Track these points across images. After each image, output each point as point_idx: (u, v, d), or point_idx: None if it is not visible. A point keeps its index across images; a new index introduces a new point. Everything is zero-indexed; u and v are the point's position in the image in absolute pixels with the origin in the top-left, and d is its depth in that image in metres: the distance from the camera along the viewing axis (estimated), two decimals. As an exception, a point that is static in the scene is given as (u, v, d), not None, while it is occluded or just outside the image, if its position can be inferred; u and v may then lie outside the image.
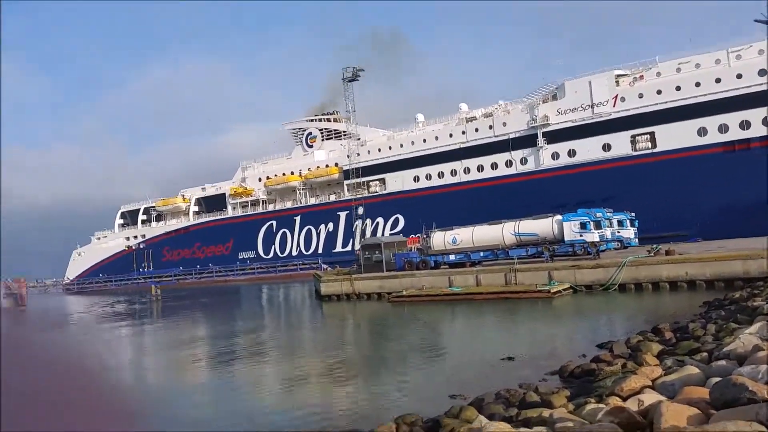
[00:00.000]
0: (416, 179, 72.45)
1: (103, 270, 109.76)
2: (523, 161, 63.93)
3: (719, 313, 20.45)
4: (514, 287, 36.47)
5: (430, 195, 69.69)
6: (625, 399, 8.90)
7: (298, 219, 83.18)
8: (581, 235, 39.70)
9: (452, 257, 44.86)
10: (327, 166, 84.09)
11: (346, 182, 79.54)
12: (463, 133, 68.83)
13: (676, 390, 8.68)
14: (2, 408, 2.66)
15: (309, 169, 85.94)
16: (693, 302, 26.83)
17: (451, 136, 69.92)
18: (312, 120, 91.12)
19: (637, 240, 44.04)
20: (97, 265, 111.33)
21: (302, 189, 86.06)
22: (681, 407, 7.01)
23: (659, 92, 55.54)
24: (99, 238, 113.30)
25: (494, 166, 66.23)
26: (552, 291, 33.94)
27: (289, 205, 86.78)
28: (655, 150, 55.63)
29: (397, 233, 53.91)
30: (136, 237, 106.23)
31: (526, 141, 63.62)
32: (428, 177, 71.35)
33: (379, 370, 20.08)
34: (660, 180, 53.80)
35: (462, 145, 68.63)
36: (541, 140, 62.37)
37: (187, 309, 53.50)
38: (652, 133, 55.98)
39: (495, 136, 66.20)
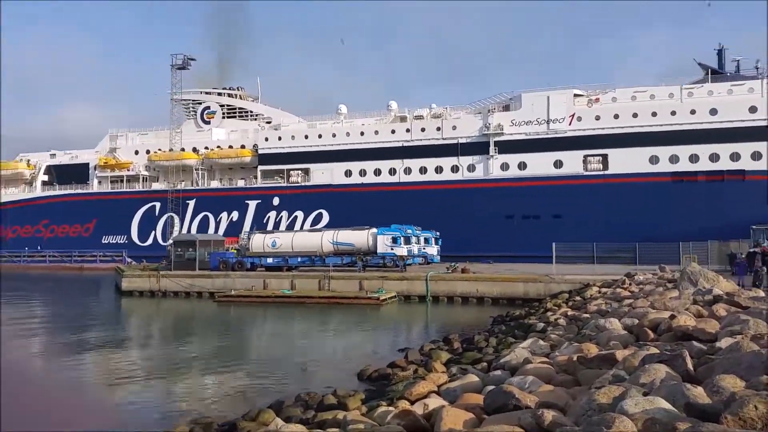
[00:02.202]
0: (348, 174, 66.62)
1: None
2: (471, 168, 61.71)
3: (501, 327, 22.93)
4: (344, 292, 37.28)
5: (364, 192, 64.42)
6: (412, 403, 9.55)
7: (192, 203, 72.38)
8: (392, 249, 42.02)
9: (270, 260, 44.69)
10: (230, 147, 74.52)
11: (261, 168, 70.83)
12: (408, 131, 64.98)
13: (457, 395, 9.41)
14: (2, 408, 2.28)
15: (207, 147, 75.18)
16: (482, 316, 29.78)
17: (393, 132, 65.61)
18: (211, 93, 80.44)
19: (439, 257, 47.72)
20: None
21: (200, 169, 74.88)
22: (459, 412, 7.64)
23: (616, 116, 56.85)
24: None
25: (439, 169, 62.91)
26: (381, 299, 35.41)
27: (183, 186, 74.15)
28: (606, 172, 56.60)
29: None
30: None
31: (476, 148, 61.68)
32: (362, 173, 65.93)
33: (181, 371, 19.31)
34: (609, 201, 54.52)
35: (405, 144, 64.67)
36: (492, 149, 60.68)
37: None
38: (605, 155, 56.88)
39: (443, 139, 63.18)
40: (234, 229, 65.37)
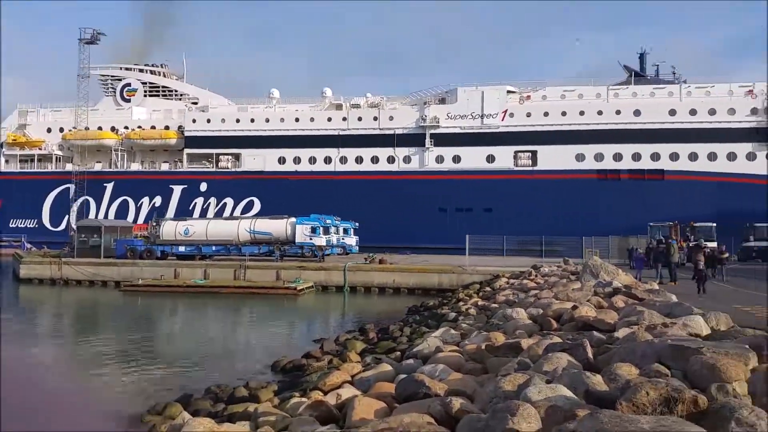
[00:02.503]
0: (282, 161, 64.27)
1: None
2: (407, 159, 61.46)
3: (415, 317, 23.33)
4: (260, 282, 36.40)
5: (298, 181, 62.43)
6: (326, 393, 9.51)
7: (110, 186, 67.21)
8: (311, 239, 41.67)
9: (182, 249, 43.17)
10: (153, 127, 69.25)
11: (187, 151, 66.68)
12: (344, 119, 63.38)
13: (370, 385, 9.41)
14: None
15: (127, 127, 69.78)
16: (398, 306, 30.15)
17: (329, 120, 63.80)
18: (131, 69, 74.73)
19: (357, 247, 47.83)
20: None
21: (119, 150, 69.44)
22: (371, 401, 7.66)
23: (546, 114, 58.12)
24: None
25: (375, 159, 62.18)
26: (298, 289, 34.91)
27: (98, 167, 68.89)
28: (535, 168, 57.82)
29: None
30: None
31: (413, 139, 61.43)
32: (297, 160, 63.88)
33: (82, 365, 18.30)
34: (538, 196, 55.52)
35: (342, 133, 63.00)
36: (428, 141, 60.60)
37: None
38: (534, 152, 58.05)
39: (380, 129, 62.35)
40: (161, 215, 58.95)
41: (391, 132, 62.15)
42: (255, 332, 25.03)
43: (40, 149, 71.63)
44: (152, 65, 75.67)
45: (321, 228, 42.27)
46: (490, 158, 59.27)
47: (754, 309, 13.41)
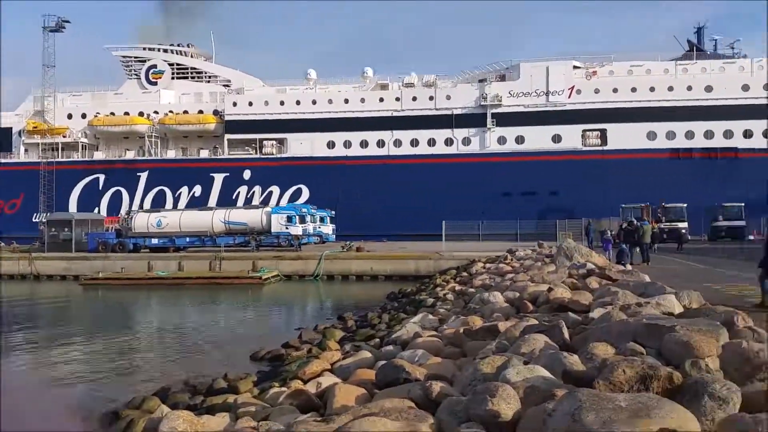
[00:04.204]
0: (331, 145, 60.30)
1: None
2: (466, 141, 58.00)
3: (393, 304, 23.42)
4: (224, 273, 36.10)
5: (349, 166, 58.36)
6: (306, 382, 9.52)
7: (144, 176, 62.47)
8: (287, 228, 41.48)
9: (155, 241, 42.67)
10: (186, 111, 65.07)
11: (228, 136, 62.49)
12: (397, 99, 59.53)
13: (350, 372, 9.44)
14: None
15: (156, 112, 65.32)
16: (376, 294, 30.22)
17: (381, 101, 59.91)
18: (155, 49, 69.73)
19: (334, 236, 47.68)
20: None
21: (153, 137, 65.07)
22: (352, 388, 7.68)
23: (615, 90, 55.25)
24: None
25: (431, 142, 58.57)
26: (263, 278, 34.66)
27: (131, 155, 64.59)
28: (605, 148, 55.08)
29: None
30: None
31: (472, 120, 57.77)
32: (347, 144, 59.95)
33: (51, 358, 17.97)
34: (608, 178, 52.25)
35: (395, 114, 59.10)
36: (490, 121, 57.18)
37: None
38: (603, 130, 55.33)
39: (436, 109, 58.50)
40: (197, 205, 56.88)
41: (449, 112, 58.50)
42: (228, 323, 24.82)
43: (64, 137, 66.36)
44: (178, 45, 71.35)
45: (297, 217, 42.09)
46: (557, 138, 56.22)
47: (725, 287, 13.73)
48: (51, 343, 20.67)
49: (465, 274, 27.86)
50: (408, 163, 57.81)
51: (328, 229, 47.39)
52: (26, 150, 67.69)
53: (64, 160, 65.37)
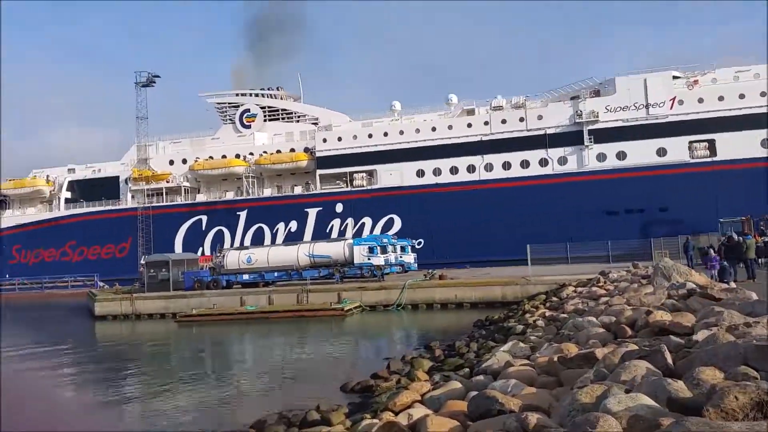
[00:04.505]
0: (420, 174, 60.54)
1: None
2: (562, 161, 56.68)
3: (481, 332, 22.97)
4: (308, 305, 36.93)
5: (438, 193, 58.58)
6: (397, 414, 9.46)
7: (243, 214, 65.41)
8: (369, 259, 41.91)
9: (246, 277, 44.24)
10: (278, 151, 67.92)
11: (319, 172, 64.26)
12: (486, 123, 59.23)
13: (441, 403, 9.36)
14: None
15: (251, 153, 68.76)
16: (461, 322, 29.78)
17: (469, 126, 59.81)
18: (247, 95, 74.13)
19: (416, 264, 47.65)
20: None
21: (250, 177, 68.26)
22: (444, 420, 7.62)
23: (721, 98, 53.33)
24: None
25: (525, 164, 57.60)
26: (345, 309, 35.13)
27: (230, 196, 67.85)
28: (714, 159, 52.69)
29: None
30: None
31: (566, 138, 56.71)
32: (437, 172, 59.95)
33: (155, 391, 18.88)
34: (718, 191, 49.98)
35: (484, 138, 58.78)
36: (587, 138, 55.96)
37: None
38: (712, 141, 53.09)
39: (527, 131, 57.71)
40: (294, 240, 58.01)
41: (542, 132, 57.65)
42: (317, 355, 25.20)
43: (167, 182, 70.73)
44: (268, 89, 75.35)
45: (378, 248, 42.47)
46: (661, 151, 54.24)
47: None
48: (152, 378, 21.75)
49: (555, 299, 26.99)
50: (500, 186, 57.20)
51: (409, 258, 47.46)
52: (133, 196, 71.84)
53: (168, 204, 69.23)
